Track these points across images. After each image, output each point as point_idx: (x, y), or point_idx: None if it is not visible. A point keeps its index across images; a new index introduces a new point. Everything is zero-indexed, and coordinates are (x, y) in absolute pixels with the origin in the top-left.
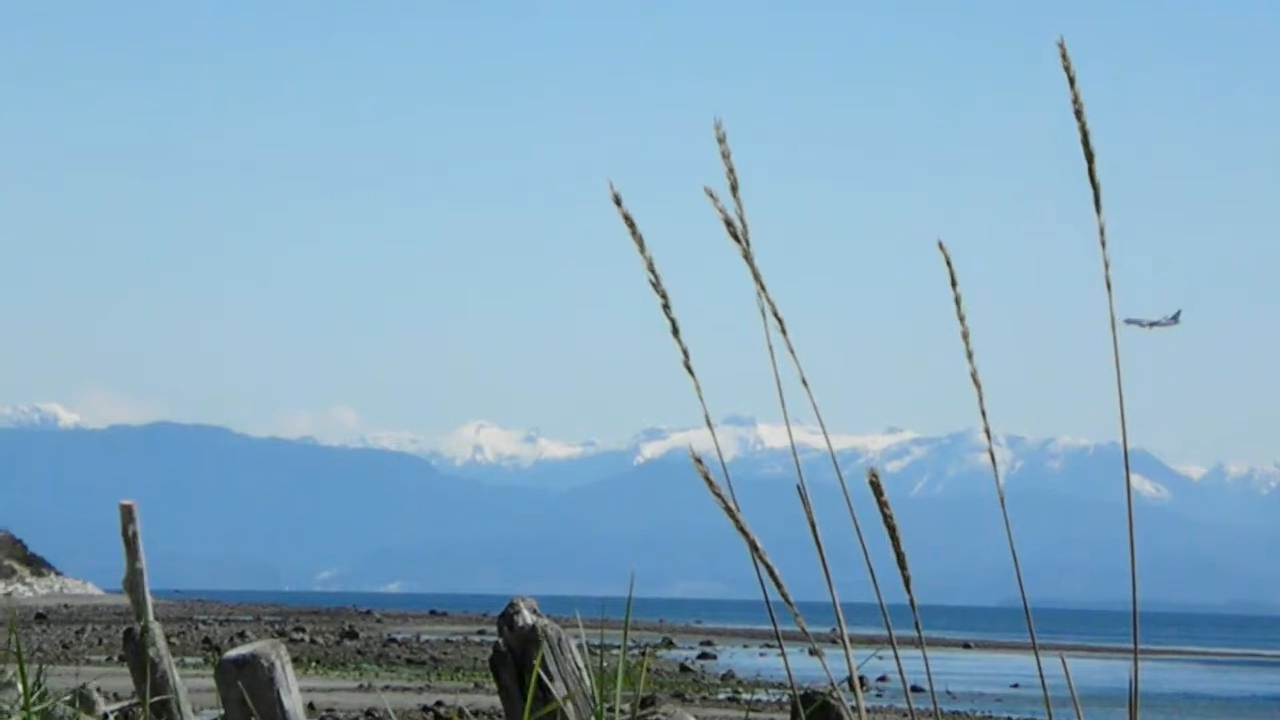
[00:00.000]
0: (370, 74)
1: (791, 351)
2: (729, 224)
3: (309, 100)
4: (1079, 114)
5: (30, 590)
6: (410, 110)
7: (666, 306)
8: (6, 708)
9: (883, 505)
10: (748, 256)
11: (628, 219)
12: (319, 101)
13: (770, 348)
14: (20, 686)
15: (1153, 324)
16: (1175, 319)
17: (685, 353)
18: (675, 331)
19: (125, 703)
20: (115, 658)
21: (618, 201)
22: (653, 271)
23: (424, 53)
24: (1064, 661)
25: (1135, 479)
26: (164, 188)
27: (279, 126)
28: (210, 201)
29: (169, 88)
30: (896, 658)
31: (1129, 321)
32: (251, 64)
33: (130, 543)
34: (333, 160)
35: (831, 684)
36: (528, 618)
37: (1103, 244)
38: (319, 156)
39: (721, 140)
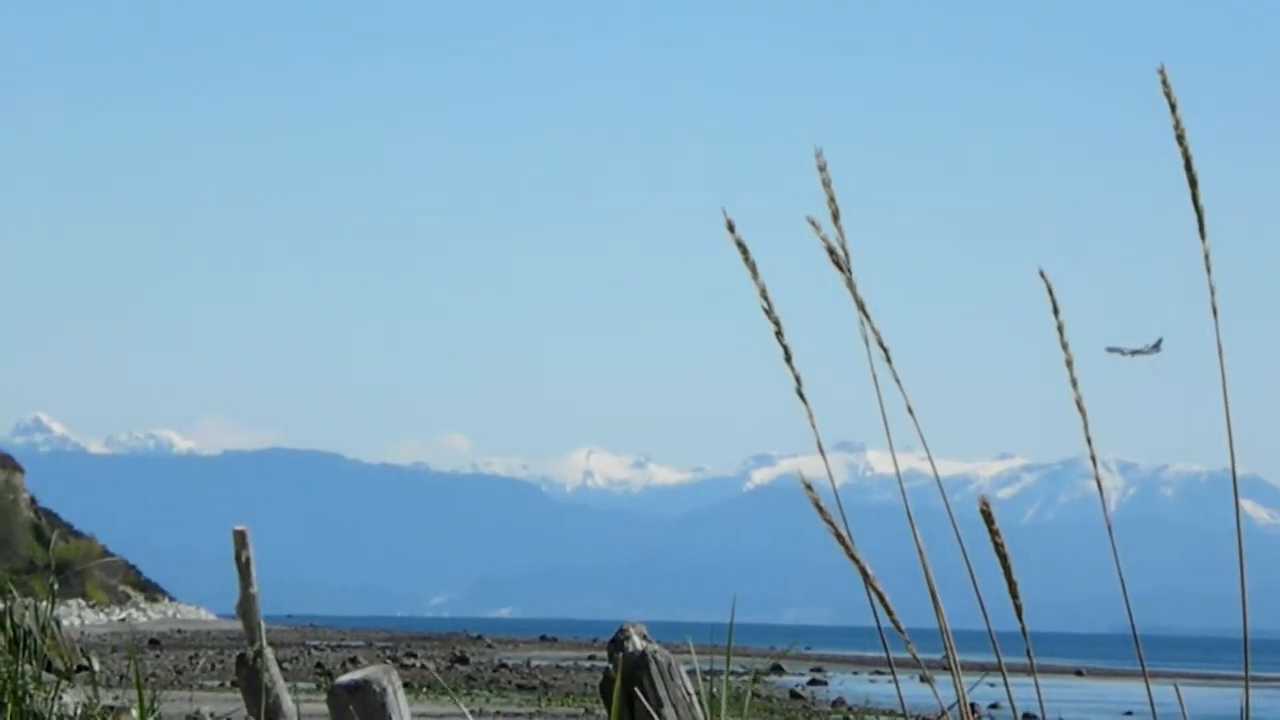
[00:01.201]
0: (492, 99)
1: (897, 380)
2: (832, 252)
3: (423, 124)
4: (1181, 140)
5: (144, 616)
6: (527, 137)
7: (779, 333)
8: None
9: (994, 534)
10: (851, 285)
11: (740, 246)
12: (437, 125)
13: (874, 376)
14: (136, 712)
15: (1134, 352)
16: (1157, 347)
17: (798, 379)
18: (788, 358)
19: None
20: (228, 683)
21: (731, 228)
22: (765, 299)
23: (538, 77)
24: (1177, 689)
25: (1248, 505)
26: (277, 216)
27: (388, 154)
28: (322, 229)
29: (283, 116)
30: (1007, 685)
31: (1110, 350)
32: (358, 86)
33: (243, 568)
34: (448, 188)
35: (942, 711)
36: (637, 643)
37: (1208, 269)
38: (435, 184)
39: (822, 169)
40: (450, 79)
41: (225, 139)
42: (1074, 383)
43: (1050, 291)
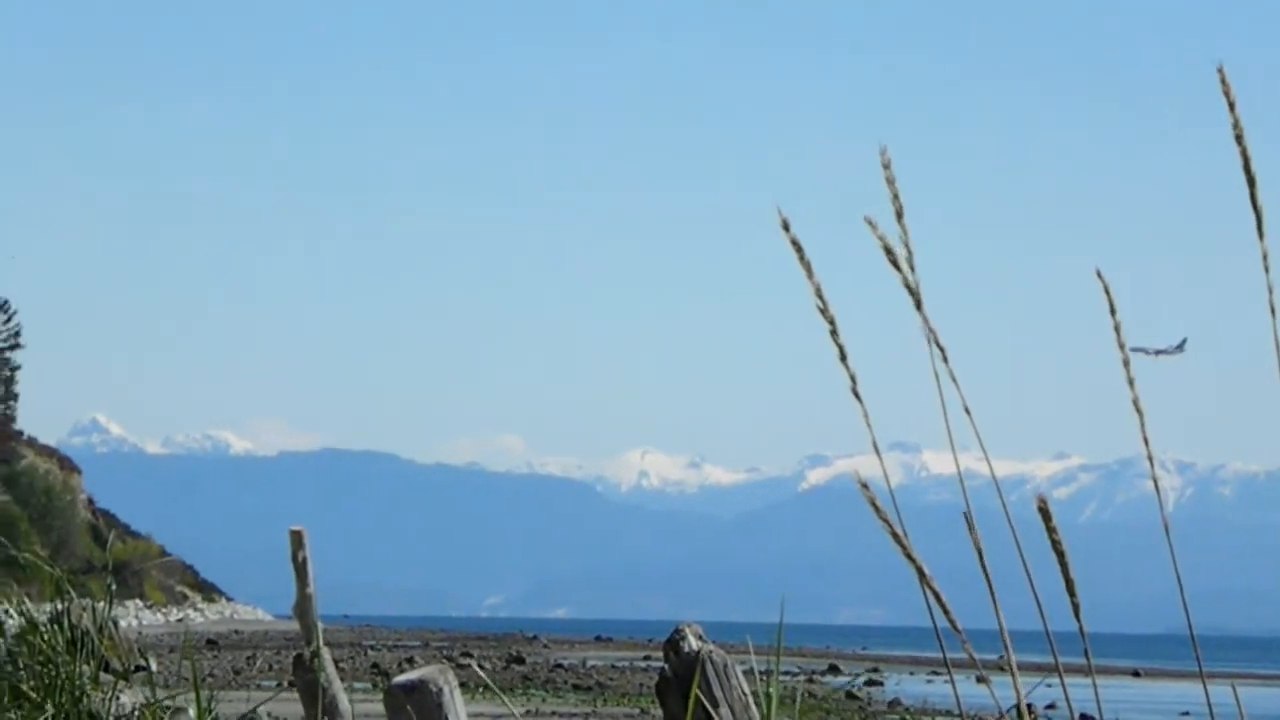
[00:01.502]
0: (544, 98)
1: (954, 379)
2: (889, 251)
3: (479, 121)
4: (1239, 139)
5: (202, 616)
6: (582, 135)
7: (834, 332)
8: None
9: (1051, 531)
10: (909, 284)
11: (796, 244)
12: (491, 122)
13: (935, 375)
14: (193, 712)
15: (1158, 352)
16: (1181, 347)
17: (853, 378)
18: (843, 357)
19: None
20: (285, 683)
21: (786, 227)
22: (820, 297)
23: (587, 71)
24: (1235, 690)
25: None
26: (333, 219)
27: (449, 155)
28: (378, 232)
29: (347, 116)
30: (1063, 685)
31: (1134, 349)
32: (394, 87)
33: (300, 568)
34: (503, 189)
35: (1000, 712)
36: (693, 643)
37: (1266, 269)
38: (490, 185)
39: (886, 167)
40: (501, 74)
41: (284, 142)
42: (1130, 382)
43: (1107, 291)
